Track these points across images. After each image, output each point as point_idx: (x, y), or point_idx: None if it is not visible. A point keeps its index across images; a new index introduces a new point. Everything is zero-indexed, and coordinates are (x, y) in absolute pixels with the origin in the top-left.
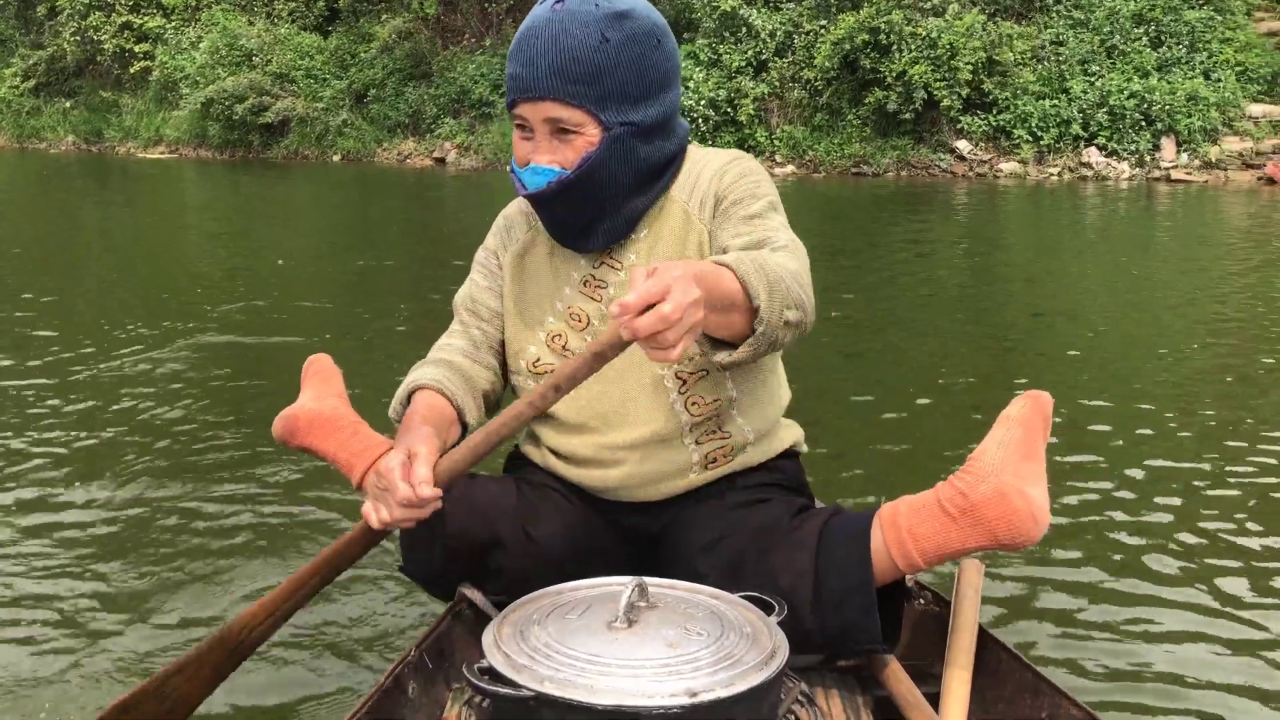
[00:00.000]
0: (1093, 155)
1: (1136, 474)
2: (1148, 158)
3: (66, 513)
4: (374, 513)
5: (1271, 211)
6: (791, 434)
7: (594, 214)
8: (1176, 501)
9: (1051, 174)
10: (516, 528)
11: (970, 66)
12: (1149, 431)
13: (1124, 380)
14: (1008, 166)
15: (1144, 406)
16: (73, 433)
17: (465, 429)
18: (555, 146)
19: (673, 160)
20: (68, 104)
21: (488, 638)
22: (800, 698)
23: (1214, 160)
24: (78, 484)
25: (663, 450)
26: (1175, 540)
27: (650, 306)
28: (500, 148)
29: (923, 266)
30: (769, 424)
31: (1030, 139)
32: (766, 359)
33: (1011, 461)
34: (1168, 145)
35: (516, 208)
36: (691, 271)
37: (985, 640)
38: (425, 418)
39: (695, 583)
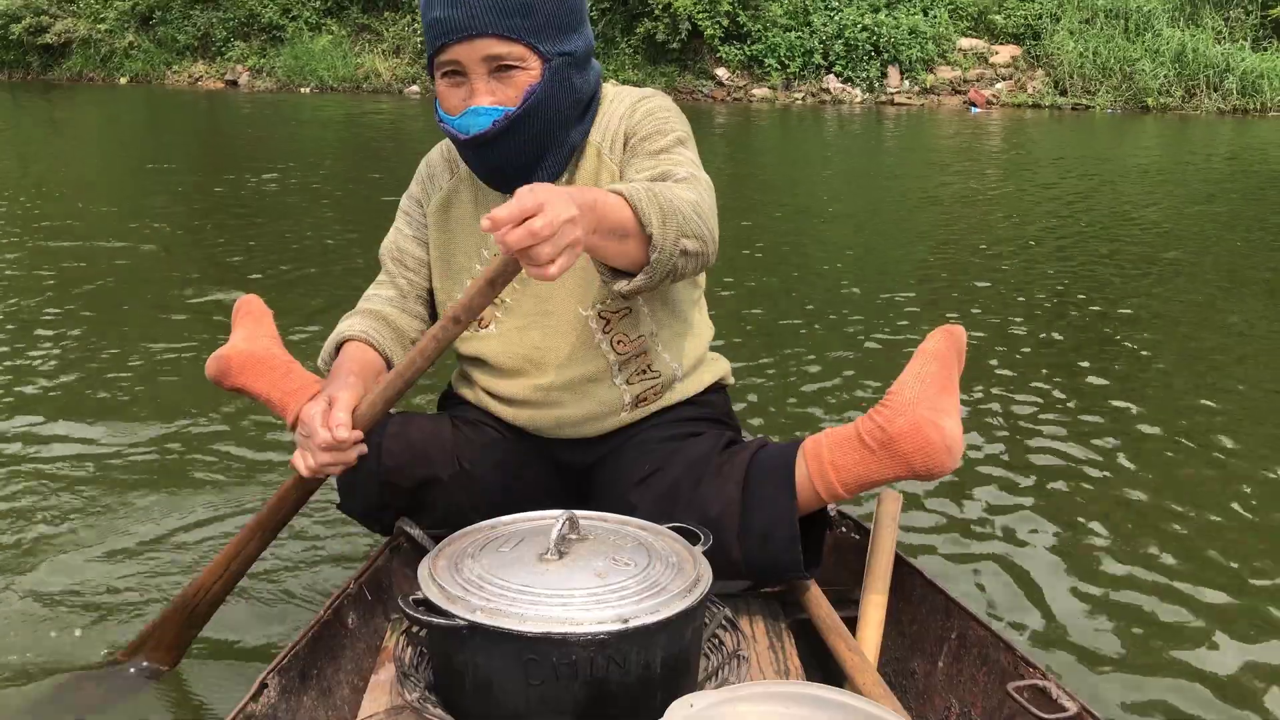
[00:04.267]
0: (831, 82)
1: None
2: (876, 84)
3: None
4: (301, 460)
5: (974, 131)
6: (719, 368)
7: (539, 150)
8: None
9: (797, 99)
10: (452, 462)
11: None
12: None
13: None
14: (760, 92)
15: (902, 293)
16: None
17: None
18: (495, 87)
19: (595, 94)
20: None
21: (423, 571)
22: (724, 622)
23: (930, 86)
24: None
25: (595, 389)
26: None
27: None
28: (293, 70)
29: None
30: (695, 358)
31: (779, 67)
32: (685, 293)
33: (928, 395)
34: (893, 73)
35: (439, 154)
36: (575, 194)
37: (901, 566)
38: (350, 369)
39: (627, 515)
